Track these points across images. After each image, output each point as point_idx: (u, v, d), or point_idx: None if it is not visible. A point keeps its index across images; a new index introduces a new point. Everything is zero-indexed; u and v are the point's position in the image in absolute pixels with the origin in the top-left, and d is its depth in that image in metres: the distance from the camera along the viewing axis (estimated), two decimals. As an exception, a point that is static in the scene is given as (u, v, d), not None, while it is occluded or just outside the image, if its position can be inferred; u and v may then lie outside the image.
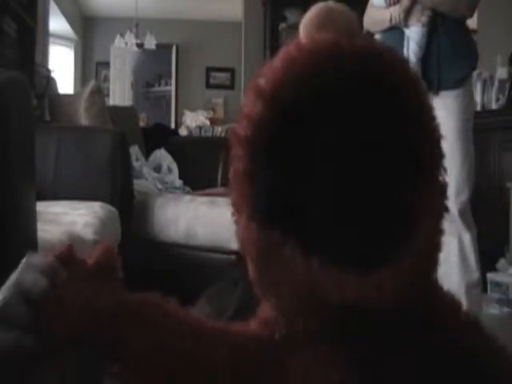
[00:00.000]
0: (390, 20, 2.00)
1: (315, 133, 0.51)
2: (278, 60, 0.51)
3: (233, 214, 0.52)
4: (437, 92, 1.99)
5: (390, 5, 2.01)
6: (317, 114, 0.51)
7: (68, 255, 0.51)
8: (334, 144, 0.51)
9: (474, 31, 2.25)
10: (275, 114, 0.49)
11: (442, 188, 0.52)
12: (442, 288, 0.58)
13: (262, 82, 0.51)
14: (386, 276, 0.48)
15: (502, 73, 3.47)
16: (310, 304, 0.48)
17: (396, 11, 1.98)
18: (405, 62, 0.53)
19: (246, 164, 0.49)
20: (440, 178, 0.52)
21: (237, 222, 0.51)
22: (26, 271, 0.49)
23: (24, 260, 0.50)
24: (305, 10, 4.46)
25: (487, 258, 2.45)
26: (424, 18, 1.96)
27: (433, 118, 0.52)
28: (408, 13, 1.97)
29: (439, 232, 0.51)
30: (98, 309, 0.49)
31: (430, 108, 0.53)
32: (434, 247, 0.51)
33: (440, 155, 0.52)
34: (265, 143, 0.49)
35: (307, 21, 0.54)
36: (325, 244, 0.50)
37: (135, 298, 0.54)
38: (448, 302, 0.58)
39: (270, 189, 0.50)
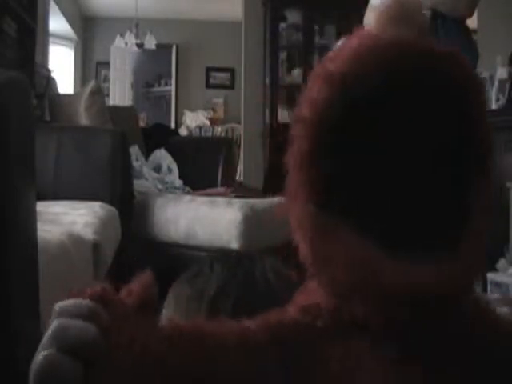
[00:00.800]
0: None
1: (380, 123, 0.52)
2: (349, 48, 0.52)
3: (287, 198, 0.51)
4: None
5: None
6: (384, 106, 0.52)
7: (105, 295, 0.45)
8: (398, 136, 0.52)
9: (474, 31, 2.25)
10: (342, 100, 0.50)
11: (491, 186, 0.55)
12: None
13: (330, 67, 0.51)
14: (443, 263, 0.49)
15: (502, 73, 3.46)
16: (362, 285, 0.48)
17: None
18: (471, 67, 0.54)
19: (310, 145, 0.49)
20: (491, 176, 0.54)
21: (291, 206, 0.51)
22: (64, 319, 0.41)
23: (55, 308, 0.42)
24: (305, 9, 4.43)
25: (487, 258, 2.45)
26: None
27: (489, 125, 0.55)
28: None
29: (488, 227, 0.53)
30: (155, 356, 0.44)
31: (486, 113, 0.55)
32: (484, 243, 0.53)
33: (492, 159, 0.55)
34: (329, 127, 0.50)
35: (381, 9, 0.54)
36: (380, 229, 0.50)
37: (175, 330, 0.48)
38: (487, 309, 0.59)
39: (331, 171, 0.50)
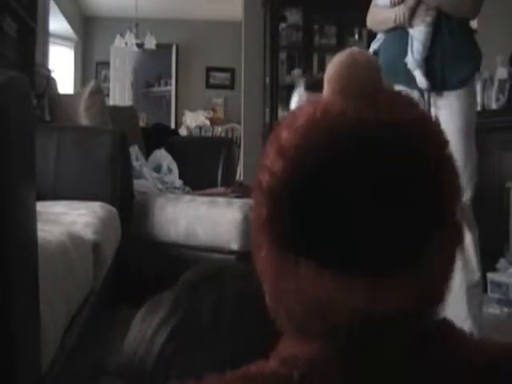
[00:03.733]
0: (395, 20, 2.00)
1: (335, 188, 0.56)
2: (302, 118, 0.54)
3: (253, 251, 0.56)
4: (440, 92, 1.99)
5: (394, 4, 2.01)
6: (338, 175, 0.55)
7: None
8: (353, 199, 0.56)
9: (474, 31, 2.25)
10: (295, 172, 0.54)
11: (459, 234, 0.55)
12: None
13: (283, 138, 0.54)
14: (396, 281, 0.51)
15: (502, 73, 3.47)
16: (323, 317, 0.50)
17: (401, 10, 1.98)
18: (435, 129, 0.55)
19: (268, 211, 0.54)
20: (457, 225, 0.55)
21: (257, 256, 0.55)
22: None
23: None
24: (305, 9, 4.40)
25: (487, 258, 2.45)
26: (428, 18, 1.95)
27: (456, 177, 0.55)
28: (413, 12, 1.97)
29: (450, 270, 0.54)
30: None
31: (455, 168, 0.56)
32: (443, 280, 0.54)
33: (457, 207, 0.55)
34: (285, 194, 0.54)
35: (331, 73, 0.53)
36: (337, 259, 0.53)
37: None
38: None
39: (289, 227, 0.54)
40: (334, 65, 0.55)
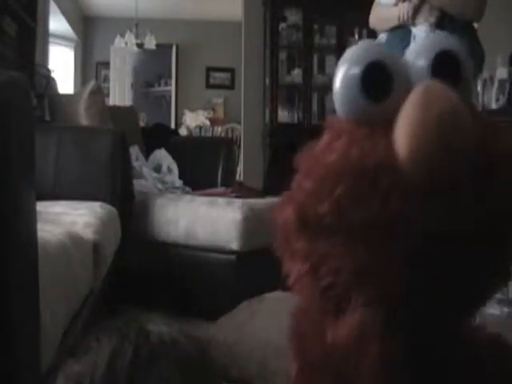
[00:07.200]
0: (399, 17, 2.00)
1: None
2: (321, 170, 0.55)
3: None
4: None
5: (398, 2, 2.01)
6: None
7: None
8: None
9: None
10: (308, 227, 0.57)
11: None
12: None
13: (301, 195, 0.57)
14: None
15: (501, 73, 3.46)
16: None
17: (405, 8, 1.98)
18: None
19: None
20: None
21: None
22: None
23: None
24: (305, 9, 4.38)
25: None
26: (432, 19, 1.95)
27: None
28: (417, 11, 1.97)
29: None
30: None
31: None
32: None
33: None
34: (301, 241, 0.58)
35: (411, 126, 0.50)
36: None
37: None
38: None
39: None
40: (414, 118, 0.51)
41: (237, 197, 2.43)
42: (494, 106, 3.48)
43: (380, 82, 0.57)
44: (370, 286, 0.53)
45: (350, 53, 0.60)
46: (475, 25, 2.11)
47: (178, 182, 2.92)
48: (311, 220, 0.55)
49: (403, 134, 0.52)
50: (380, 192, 0.51)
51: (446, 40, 0.61)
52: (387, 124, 0.56)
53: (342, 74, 0.60)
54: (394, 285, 0.52)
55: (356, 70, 0.58)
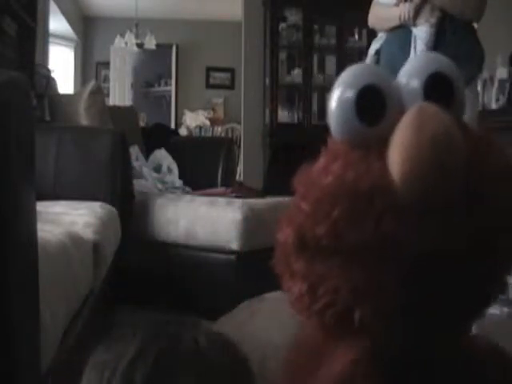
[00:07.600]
0: (399, 17, 1.99)
1: None
2: (318, 193, 0.56)
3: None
4: None
5: (399, 2, 2.00)
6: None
7: None
8: None
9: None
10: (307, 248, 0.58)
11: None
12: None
13: (300, 216, 0.58)
14: None
15: (501, 73, 3.47)
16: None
17: (406, 8, 1.97)
18: None
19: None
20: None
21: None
22: None
23: None
24: (305, 9, 4.38)
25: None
26: (433, 19, 1.95)
27: None
28: (418, 11, 1.96)
29: None
30: None
31: None
32: None
33: None
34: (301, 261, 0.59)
35: (403, 148, 0.51)
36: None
37: None
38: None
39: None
40: (407, 140, 0.52)
41: (237, 197, 2.43)
42: (493, 106, 3.48)
43: (374, 105, 0.58)
44: (366, 305, 0.53)
45: (346, 75, 0.61)
46: (475, 25, 2.11)
47: (178, 182, 2.92)
48: (309, 242, 0.55)
49: (397, 155, 0.53)
50: (374, 214, 0.52)
51: (439, 61, 0.62)
52: (382, 146, 0.57)
53: (337, 96, 0.61)
54: (389, 305, 0.53)
55: (350, 94, 0.59)
